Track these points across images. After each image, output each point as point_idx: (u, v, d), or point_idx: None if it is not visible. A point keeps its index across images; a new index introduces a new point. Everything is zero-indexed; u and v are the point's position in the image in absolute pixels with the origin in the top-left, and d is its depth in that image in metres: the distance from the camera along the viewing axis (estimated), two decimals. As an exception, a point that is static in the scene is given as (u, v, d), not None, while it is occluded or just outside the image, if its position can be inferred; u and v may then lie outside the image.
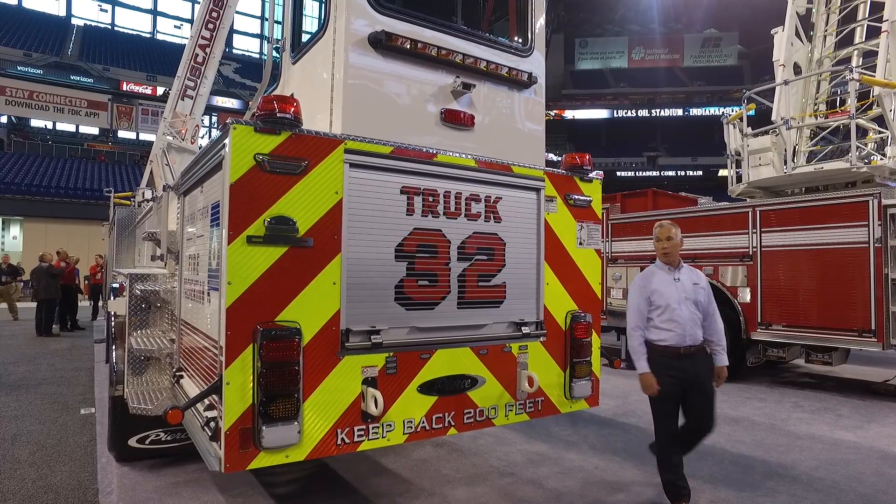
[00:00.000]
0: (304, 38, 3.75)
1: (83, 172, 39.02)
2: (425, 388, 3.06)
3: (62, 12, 52.94)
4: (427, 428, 3.07)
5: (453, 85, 3.34)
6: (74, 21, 52.51)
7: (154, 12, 58.20)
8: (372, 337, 2.88)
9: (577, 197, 3.76)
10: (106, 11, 55.62)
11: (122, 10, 56.33)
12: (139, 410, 3.71)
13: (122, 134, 46.74)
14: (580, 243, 3.79)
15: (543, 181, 3.58)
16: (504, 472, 4.66)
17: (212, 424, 2.62)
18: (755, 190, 9.08)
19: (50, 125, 45.29)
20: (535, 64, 3.80)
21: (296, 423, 2.61)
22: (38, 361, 10.00)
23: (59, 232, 30.66)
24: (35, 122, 44.70)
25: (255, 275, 2.57)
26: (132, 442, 4.50)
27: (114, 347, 4.53)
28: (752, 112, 9.02)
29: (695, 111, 57.25)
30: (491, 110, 3.61)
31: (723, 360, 3.70)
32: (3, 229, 34.85)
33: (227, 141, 2.55)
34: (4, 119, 43.20)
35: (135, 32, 56.36)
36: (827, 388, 8.11)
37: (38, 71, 43.05)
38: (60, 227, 31.37)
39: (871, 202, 6.83)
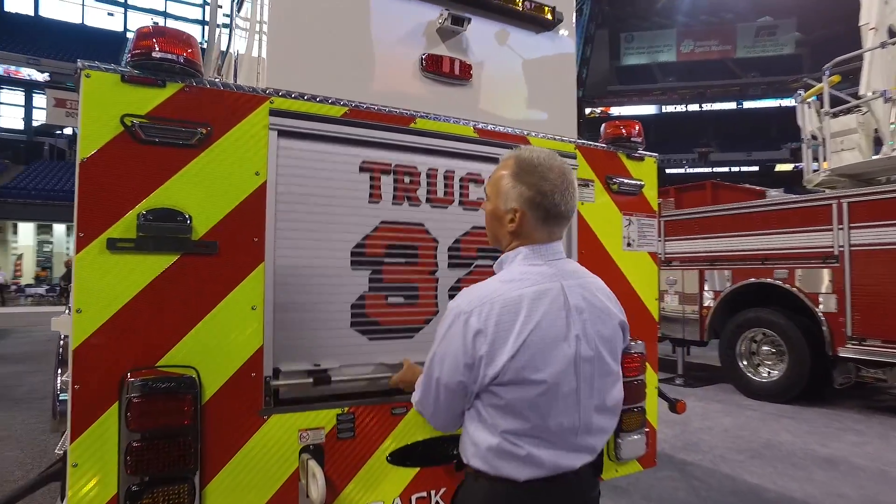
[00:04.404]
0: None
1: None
2: (399, 457, 2.11)
3: (120, 27, 55.16)
4: (403, 514, 2.12)
5: (438, 20, 2.39)
6: (130, 35, 54.58)
7: (202, 23, 59.86)
8: (315, 377, 1.96)
9: (623, 180, 2.75)
10: (158, 24, 57.58)
11: (172, 23, 58.19)
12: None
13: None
14: (628, 244, 2.77)
15: (575, 158, 2.59)
16: (533, 536, 3.65)
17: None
18: (838, 178, 7.69)
19: (109, 137, 46.93)
20: (561, -4, 2.79)
21: (188, 522, 1.72)
22: (52, 374, 9.62)
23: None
24: (94, 135, 46.32)
25: (122, 298, 1.69)
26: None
27: (59, 373, 3.78)
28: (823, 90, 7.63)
29: (749, 104, 54.50)
30: (496, 58, 2.61)
31: None
32: (67, 236, 36.31)
33: (78, 97, 1.69)
34: (70, 131, 45.03)
35: (186, 45, 58.01)
36: (939, 417, 6.67)
37: (96, 84, 44.63)
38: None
39: None
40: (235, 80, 2.83)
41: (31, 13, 43.32)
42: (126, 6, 50.14)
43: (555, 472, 1.38)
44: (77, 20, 52.76)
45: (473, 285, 1.44)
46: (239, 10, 2.87)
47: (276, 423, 1.90)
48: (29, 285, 31.33)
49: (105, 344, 1.67)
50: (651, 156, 2.90)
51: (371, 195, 2.10)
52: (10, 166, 33.93)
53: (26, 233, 34.97)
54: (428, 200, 2.21)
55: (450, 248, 2.27)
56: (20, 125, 37.49)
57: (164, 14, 57.87)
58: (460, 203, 2.29)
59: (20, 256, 33.97)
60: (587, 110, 55.61)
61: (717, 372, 8.59)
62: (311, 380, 1.97)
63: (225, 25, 3.40)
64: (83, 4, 49.22)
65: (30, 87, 41.81)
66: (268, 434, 1.89)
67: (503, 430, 1.36)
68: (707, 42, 58.63)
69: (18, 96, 39.10)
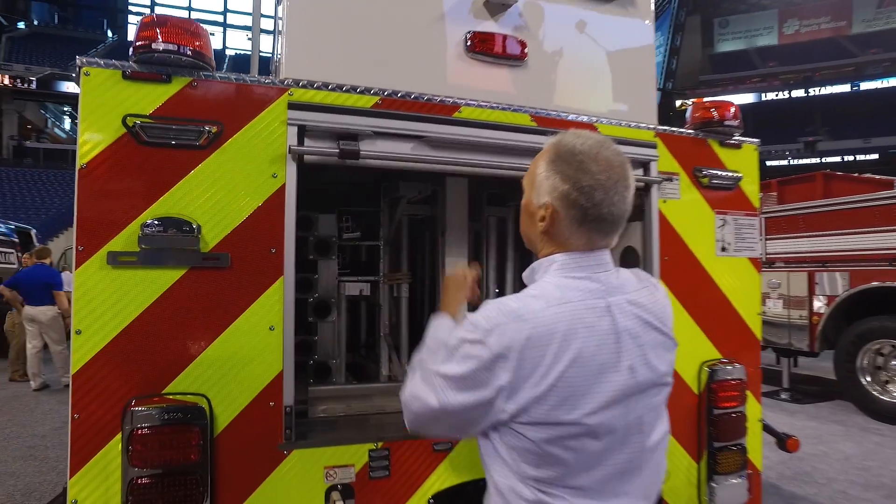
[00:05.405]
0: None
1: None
2: (444, 500, 1.83)
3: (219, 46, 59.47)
4: (447, 569, 1.83)
5: (486, -8, 2.08)
6: (228, 52, 58.72)
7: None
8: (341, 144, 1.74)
9: (715, 172, 2.30)
10: (249, 39, 61.43)
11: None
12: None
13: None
14: (722, 248, 2.32)
15: (655, 148, 2.19)
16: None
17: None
18: None
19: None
20: (635, -41, 2.38)
21: (197, 570, 1.52)
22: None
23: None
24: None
25: (125, 318, 1.53)
26: None
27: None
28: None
29: (867, 85, 49.04)
30: (556, 33, 2.25)
31: None
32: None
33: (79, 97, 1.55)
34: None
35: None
36: None
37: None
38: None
39: None
40: None
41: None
42: (225, 25, 53.73)
43: None
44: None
45: (498, 299, 1.13)
46: (279, 5, 2.72)
47: (298, 460, 1.68)
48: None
49: (107, 369, 1.51)
50: (751, 142, 2.42)
51: None
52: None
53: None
54: None
55: None
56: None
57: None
58: None
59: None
60: (678, 102, 52.74)
61: (831, 387, 7.57)
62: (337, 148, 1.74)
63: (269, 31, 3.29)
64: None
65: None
66: (289, 471, 1.67)
67: (532, 476, 1.06)
68: (815, 20, 53.53)
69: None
